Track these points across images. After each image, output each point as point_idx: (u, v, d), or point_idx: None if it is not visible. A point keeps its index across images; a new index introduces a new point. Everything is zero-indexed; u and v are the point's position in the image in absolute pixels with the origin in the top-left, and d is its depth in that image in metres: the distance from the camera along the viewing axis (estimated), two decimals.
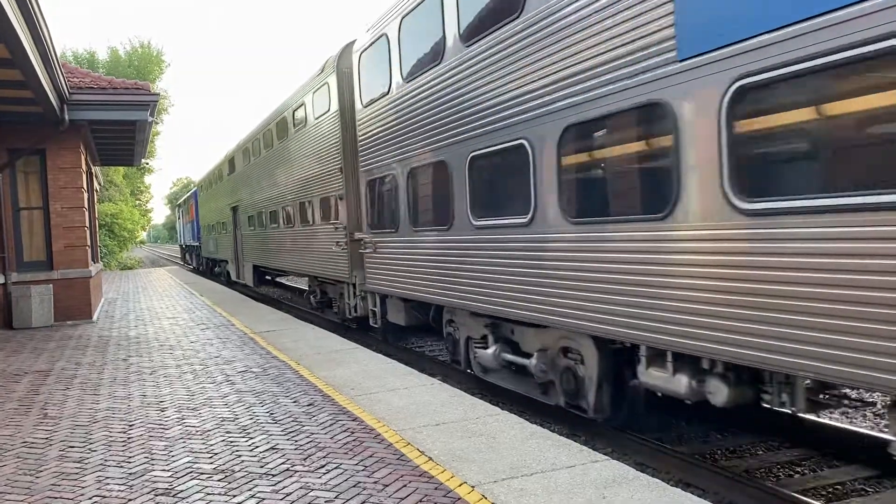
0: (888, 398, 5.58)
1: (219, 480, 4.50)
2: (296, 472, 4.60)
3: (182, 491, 4.35)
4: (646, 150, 5.60)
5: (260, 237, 19.55)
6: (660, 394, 5.84)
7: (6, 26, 7.23)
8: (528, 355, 7.18)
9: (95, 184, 19.92)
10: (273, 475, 4.55)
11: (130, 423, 5.97)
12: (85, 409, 6.57)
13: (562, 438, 5.12)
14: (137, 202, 54.33)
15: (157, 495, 4.30)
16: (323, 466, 4.68)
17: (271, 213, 17.78)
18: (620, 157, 5.88)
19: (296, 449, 5.07)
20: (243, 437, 5.43)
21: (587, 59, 5.73)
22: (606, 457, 4.75)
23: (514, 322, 7.44)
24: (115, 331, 12.02)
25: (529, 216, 6.65)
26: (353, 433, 5.40)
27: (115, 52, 45.33)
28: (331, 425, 5.64)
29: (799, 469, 5.83)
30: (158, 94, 14.27)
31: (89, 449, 5.30)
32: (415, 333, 12.26)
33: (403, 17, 9.11)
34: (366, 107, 10.65)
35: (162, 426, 5.84)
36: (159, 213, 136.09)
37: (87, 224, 14.15)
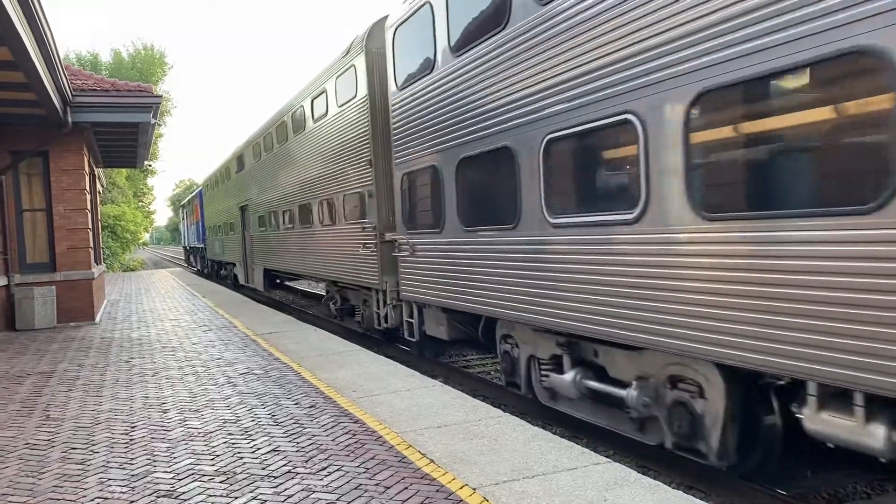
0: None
1: (221, 482, 4.50)
2: (297, 474, 4.60)
3: (184, 493, 4.35)
4: None
5: (272, 238, 18.35)
6: (833, 445, 4.51)
7: (9, 28, 7.26)
8: (620, 383, 5.97)
9: (98, 185, 19.96)
10: (275, 477, 4.55)
11: (133, 425, 5.98)
12: (87, 410, 6.58)
13: (563, 441, 5.12)
14: (140, 204, 54.40)
15: (159, 497, 4.30)
16: (324, 468, 4.68)
17: (285, 213, 16.59)
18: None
19: (297, 451, 5.07)
20: (245, 438, 5.43)
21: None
22: (608, 459, 4.74)
23: (598, 342, 6.16)
24: (118, 332, 12.04)
25: (638, 210, 5.28)
26: (354, 435, 5.40)
27: (118, 54, 45.50)
28: (332, 427, 5.64)
29: (799, 471, 5.81)
30: (161, 97, 14.30)
31: (91, 451, 5.31)
32: (456, 347, 11.02)
33: None
34: (402, 89, 9.37)
35: (164, 428, 5.84)
36: (162, 214, 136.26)
37: (90, 226, 14.18)
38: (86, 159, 14.05)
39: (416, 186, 9.36)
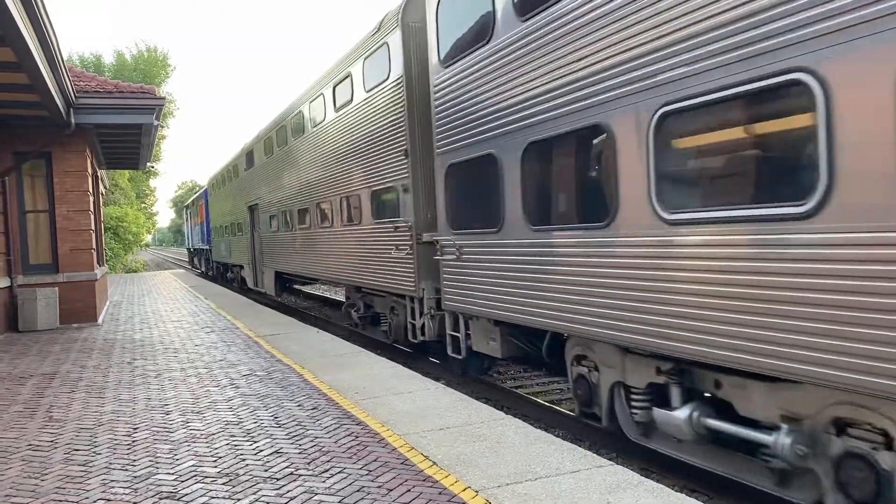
0: None
1: (223, 484, 4.50)
2: (300, 476, 4.60)
3: (187, 494, 4.35)
4: None
5: (284, 239, 17.14)
6: None
7: (12, 30, 7.28)
8: (755, 423, 4.78)
9: (101, 187, 20.00)
10: (277, 479, 4.55)
11: (135, 427, 5.98)
12: (90, 412, 6.58)
13: (566, 443, 5.11)
14: (143, 205, 54.52)
15: (161, 499, 4.30)
16: (327, 470, 4.68)
17: (300, 212, 15.40)
18: None
19: (300, 453, 5.07)
20: (247, 440, 5.43)
21: None
22: (611, 462, 4.74)
23: (721, 369, 4.93)
24: (120, 334, 12.05)
25: (814, 203, 3.95)
26: (357, 437, 5.40)
27: (121, 55, 45.57)
28: (335, 429, 5.64)
29: None
30: (164, 98, 14.33)
31: (94, 452, 5.32)
32: (504, 364, 9.92)
33: None
34: (448, 65, 8.12)
35: (167, 429, 5.85)
36: (164, 216, 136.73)
37: (93, 227, 14.21)
38: (89, 161, 14.08)
39: (464, 179, 8.07)
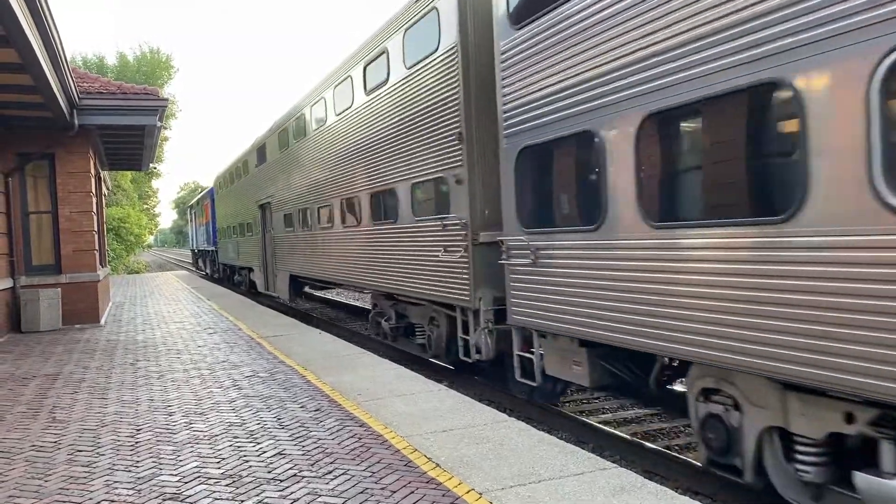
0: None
1: (227, 485, 4.50)
2: (303, 477, 4.60)
3: (190, 496, 4.35)
4: None
5: (301, 240, 15.86)
6: None
7: (17, 31, 7.30)
8: None
9: (104, 188, 20.03)
10: (281, 481, 4.55)
11: (138, 428, 5.99)
12: (93, 412, 6.59)
13: (569, 445, 5.11)
14: (145, 206, 54.58)
15: (165, 500, 4.31)
16: (330, 472, 4.68)
17: (321, 210, 14.11)
18: None
19: (303, 454, 5.07)
20: (251, 442, 5.43)
21: None
22: (615, 464, 4.74)
23: None
24: (123, 335, 12.06)
25: None
26: (360, 439, 5.39)
27: (123, 57, 45.68)
28: (338, 431, 5.64)
29: None
30: (167, 100, 14.36)
31: (97, 453, 5.32)
32: (583, 391, 8.60)
33: None
34: (521, 26, 6.78)
35: (170, 430, 5.85)
36: (167, 217, 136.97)
37: (96, 228, 14.23)
38: (91, 162, 14.11)
39: (544, 165, 6.79)
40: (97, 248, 14.30)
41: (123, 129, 13.80)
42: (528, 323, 7.03)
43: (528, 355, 7.26)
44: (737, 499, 5.38)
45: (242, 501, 4.23)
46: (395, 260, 10.27)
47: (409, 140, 9.50)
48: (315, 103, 14.06)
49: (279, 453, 5.12)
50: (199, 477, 4.69)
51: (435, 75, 8.62)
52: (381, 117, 10.44)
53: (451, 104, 8.25)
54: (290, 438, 5.47)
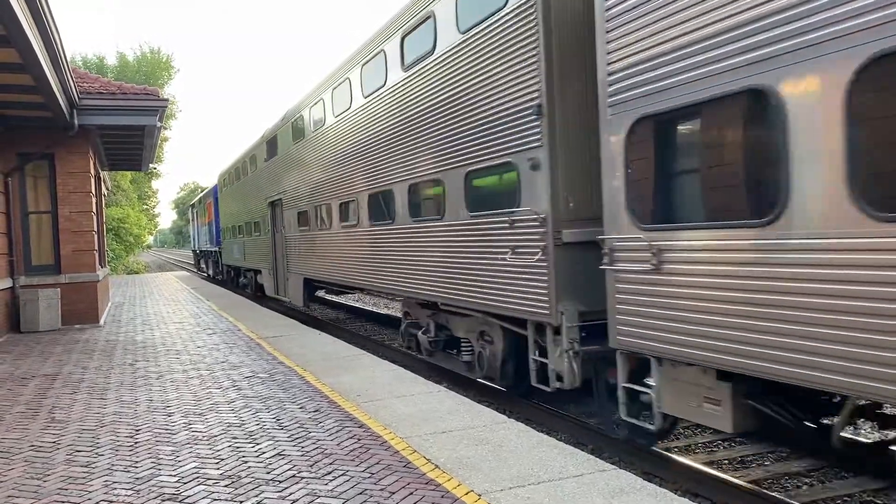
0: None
1: (225, 486, 4.50)
2: (302, 478, 4.60)
3: (189, 496, 4.35)
4: None
5: (319, 240, 14.32)
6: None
7: (17, 31, 7.30)
8: None
9: (103, 188, 20.03)
10: (279, 481, 4.55)
11: (137, 428, 5.98)
12: (92, 413, 6.58)
13: (568, 447, 5.11)
14: (144, 207, 54.58)
15: (164, 500, 4.30)
16: (329, 473, 4.68)
17: (343, 206, 12.53)
18: None
19: (302, 455, 5.07)
20: (250, 442, 5.43)
21: None
22: (614, 466, 4.73)
23: None
24: (122, 335, 12.06)
25: None
26: (359, 440, 5.39)
27: (123, 57, 45.72)
28: (337, 432, 5.64)
29: (807, 480, 5.81)
30: (167, 100, 14.36)
31: (96, 453, 5.32)
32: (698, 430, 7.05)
33: None
34: None
35: (169, 431, 5.85)
36: (166, 217, 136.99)
37: (95, 228, 14.23)
38: (91, 162, 14.11)
39: (676, 138, 5.37)
40: (97, 248, 14.30)
41: (123, 129, 13.81)
42: (642, 346, 5.51)
43: (643, 389, 5.69)
44: (738, 502, 5.38)
45: (241, 502, 4.22)
46: (439, 263, 8.79)
47: (464, 119, 7.96)
48: (337, 86, 12.44)
49: (278, 454, 5.11)
50: (197, 477, 4.69)
51: (503, 37, 7.09)
52: (424, 95, 8.90)
53: (526, 69, 6.72)
54: (289, 439, 5.47)
